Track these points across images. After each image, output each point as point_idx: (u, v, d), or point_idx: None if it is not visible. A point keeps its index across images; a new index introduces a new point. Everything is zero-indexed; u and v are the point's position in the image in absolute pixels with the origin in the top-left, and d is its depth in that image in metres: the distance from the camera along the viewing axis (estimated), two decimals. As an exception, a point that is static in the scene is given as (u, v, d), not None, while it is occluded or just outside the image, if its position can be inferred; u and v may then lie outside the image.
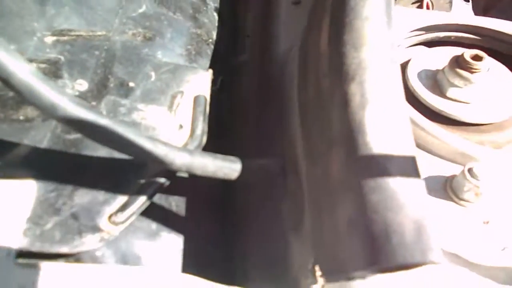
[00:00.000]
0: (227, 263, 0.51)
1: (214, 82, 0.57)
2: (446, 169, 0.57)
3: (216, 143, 0.52)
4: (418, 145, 0.59)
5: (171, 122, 0.51)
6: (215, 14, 0.68)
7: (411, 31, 0.74)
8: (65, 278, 0.38)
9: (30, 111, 0.46)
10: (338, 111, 0.41)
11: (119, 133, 0.38)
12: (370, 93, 0.40)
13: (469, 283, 0.50)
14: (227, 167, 0.47)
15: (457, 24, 0.76)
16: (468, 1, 1.21)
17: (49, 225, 0.40)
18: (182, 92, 0.53)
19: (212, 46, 0.63)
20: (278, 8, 0.77)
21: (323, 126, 0.43)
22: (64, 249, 0.40)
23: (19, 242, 0.39)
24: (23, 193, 0.42)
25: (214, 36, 0.65)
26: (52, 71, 0.50)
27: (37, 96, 0.34)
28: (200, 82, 0.55)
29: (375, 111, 0.39)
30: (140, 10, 0.59)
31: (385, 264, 0.35)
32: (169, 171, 0.46)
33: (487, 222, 0.54)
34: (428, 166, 0.57)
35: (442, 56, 0.69)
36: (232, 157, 0.47)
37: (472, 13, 1.15)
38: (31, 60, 0.50)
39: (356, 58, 0.42)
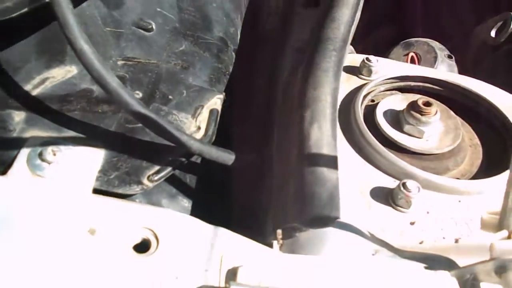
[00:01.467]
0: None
1: (225, 101, 0.82)
2: (392, 183, 0.72)
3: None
4: (373, 163, 0.75)
5: (193, 125, 0.76)
6: (233, 54, 0.95)
7: (388, 78, 0.90)
8: (116, 208, 0.61)
9: (105, 107, 0.73)
10: (297, 125, 0.65)
11: (160, 123, 0.64)
12: (316, 116, 0.64)
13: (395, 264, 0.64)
14: (226, 156, 0.71)
15: (423, 77, 0.91)
16: (452, 58, 1.38)
17: (111, 176, 0.66)
18: (202, 106, 0.79)
19: (228, 76, 0.89)
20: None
21: (288, 135, 0.67)
22: (119, 191, 0.65)
23: (94, 183, 0.64)
24: (98, 156, 0.67)
25: (230, 70, 0.91)
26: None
27: (120, 97, 0.60)
28: (215, 100, 0.80)
29: (317, 128, 0.63)
30: (181, 48, 0.86)
31: (310, 215, 0.57)
32: (187, 154, 0.71)
33: (413, 223, 0.69)
34: (379, 180, 0.73)
35: (406, 100, 0.82)
36: (229, 150, 0.73)
37: (455, 68, 1.26)
38: (107, 75, 0.76)
39: (313, 94, 0.66)
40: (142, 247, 0.57)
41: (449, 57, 1.33)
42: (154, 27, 0.85)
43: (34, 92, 0.71)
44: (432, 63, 1.26)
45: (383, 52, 1.36)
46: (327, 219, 0.57)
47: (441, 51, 1.33)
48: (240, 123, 0.86)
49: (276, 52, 0.95)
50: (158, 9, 0.87)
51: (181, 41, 0.87)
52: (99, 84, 0.60)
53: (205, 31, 0.92)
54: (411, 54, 1.32)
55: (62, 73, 0.73)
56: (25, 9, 0.59)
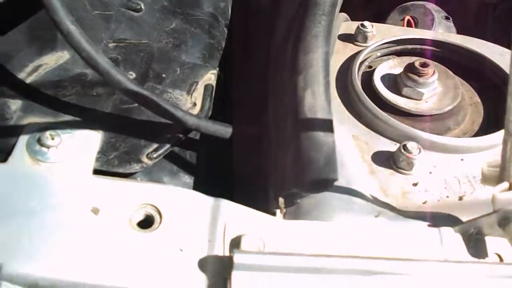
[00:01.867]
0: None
1: (219, 76, 0.82)
2: (393, 147, 0.72)
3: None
4: (373, 129, 0.75)
5: (188, 101, 0.76)
6: (225, 29, 0.94)
7: (385, 43, 0.89)
8: (118, 187, 0.62)
9: (100, 89, 0.73)
10: (290, 92, 0.65)
11: (155, 101, 0.64)
12: (309, 82, 0.63)
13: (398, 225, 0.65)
14: (223, 129, 0.72)
15: (420, 39, 0.90)
16: (449, 19, 1.36)
17: (111, 156, 0.66)
18: (197, 82, 0.79)
19: (221, 52, 0.89)
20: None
21: (283, 103, 0.67)
22: (119, 170, 0.65)
23: (94, 164, 0.65)
24: (96, 137, 0.68)
25: (223, 45, 0.90)
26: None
27: (111, 76, 0.60)
28: (209, 76, 0.80)
29: (310, 93, 0.63)
30: (171, 26, 0.85)
31: (308, 179, 0.58)
32: (185, 131, 0.72)
33: (416, 184, 0.69)
34: (379, 144, 0.73)
35: (403, 64, 0.81)
36: (226, 124, 0.73)
37: (454, 29, 1.25)
38: (100, 58, 0.76)
39: (304, 59, 0.65)
40: (146, 223, 0.58)
41: (447, 18, 1.33)
42: (142, 7, 0.85)
43: (28, 80, 0.71)
44: (430, 25, 1.25)
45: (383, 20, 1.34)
46: (326, 182, 0.58)
47: (438, 13, 1.32)
48: (237, 96, 0.86)
49: (269, 25, 0.94)
50: (146, -11, 0.86)
51: (171, 19, 0.87)
52: (89, 65, 0.60)
53: (195, 7, 0.91)
54: (407, 17, 1.31)
55: (54, 59, 0.73)
56: None
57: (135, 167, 0.66)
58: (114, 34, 0.80)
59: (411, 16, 1.32)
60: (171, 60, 0.80)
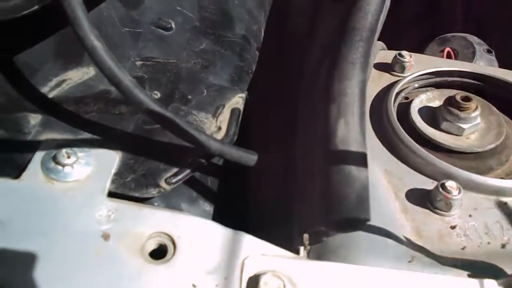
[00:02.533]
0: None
1: (247, 100, 0.79)
2: (429, 184, 0.67)
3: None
4: (408, 164, 0.71)
5: (213, 125, 0.73)
6: (257, 52, 0.91)
7: (424, 74, 0.85)
8: (131, 212, 0.59)
9: (123, 108, 0.70)
10: (322, 121, 0.60)
11: (178, 123, 0.61)
12: (343, 111, 0.59)
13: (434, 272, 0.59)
14: (248, 156, 0.67)
15: (461, 71, 0.87)
16: (491, 52, 1.30)
17: (128, 179, 0.63)
18: (223, 105, 0.75)
19: (251, 75, 0.85)
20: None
21: (313, 131, 0.63)
22: (135, 195, 0.62)
23: (109, 186, 0.62)
24: (114, 158, 0.65)
25: (253, 68, 0.87)
26: (139, 84, 0.73)
27: (134, 96, 0.57)
28: (237, 99, 0.77)
29: (343, 123, 0.58)
30: (201, 47, 0.83)
31: (338, 217, 0.53)
32: (207, 156, 0.68)
33: (454, 227, 0.64)
34: (414, 181, 0.69)
35: (443, 97, 0.78)
36: (251, 151, 0.69)
37: (496, 63, 1.20)
38: (126, 76, 0.74)
39: (338, 87, 0.61)
40: (159, 253, 0.55)
41: (489, 51, 1.28)
42: (173, 26, 0.83)
43: (51, 94, 0.69)
44: (470, 58, 1.21)
45: (417, 51, 1.30)
46: (357, 222, 0.53)
47: (480, 45, 1.28)
48: (264, 122, 0.82)
49: (302, 50, 0.91)
50: (178, 8, 0.84)
51: (201, 40, 0.84)
52: (111, 82, 0.58)
53: (227, 29, 0.89)
54: (447, 49, 1.27)
55: (79, 75, 0.71)
56: (36, 7, 0.57)
57: (152, 192, 0.62)
58: (142, 52, 0.78)
59: (451, 48, 1.28)
60: (198, 81, 0.77)
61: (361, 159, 0.56)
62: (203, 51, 0.83)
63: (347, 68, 0.63)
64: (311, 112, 0.64)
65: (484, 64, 1.20)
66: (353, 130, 0.58)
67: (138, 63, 0.76)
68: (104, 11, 0.76)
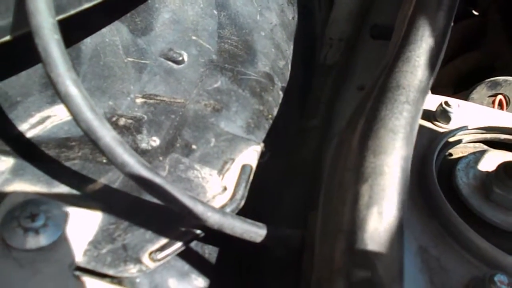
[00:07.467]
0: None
1: (263, 154, 0.66)
2: (473, 270, 0.57)
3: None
4: (449, 242, 0.60)
5: (218, 184, 0.60)
6: (281, 93, 0.78)
7: (472, 128, 0.75)
8: None
9: (111, 157, 0.59)
10: (349, 205, 0.48)
11: (168, 190, 0.49)
12: (376, 196, 0.46)
13: None
14: (254, 232, 0.55)
15: None
16: None
17: (104, 250, 0.51)
18: (233, 160, 0.63)
19: (271, 122, 0.73)
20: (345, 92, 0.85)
21: (337, 213, 0.50)
22: (111, 272, 0.50)
23: (79, 258, 0.50)
24: (91, 220, 0.53)
25: (275, 113, 0.74)
26: (136, 126, 0.62)
27: (115, 157, 0.46)
28: (250, 153, 0.64)
29: (376, 213, 0.46)
30: (216, 85, 0.71)
31: None
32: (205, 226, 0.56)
33: None
34: (454, 263, 0.58)
35: (495, 159, 0.69)
36: (259, 223, 0.56)
37: None
38: (121, 115, 0.63)
39: (373, 163, 0.49)
40: None
41: (549, 102, 1.14)
42: (185, 58, 0.71)
43: (30, 134, 0.58)
44: (525, 109, 1.10)
45: (463, 85, 1.18)
46: None
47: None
48: (281, 184, 0.69)
49: (334, 89, 0.79)
50: (194, 38, 0.73)
51: (216, 76, 0.72)
52: (88, 138, 0.46)
53: (248, 64, 0.76)
54: (499, 96, 1.13)
55: (66, 111, 0.60)
56: (24, 31, 0.47)
57: (131, 269, 0.50)
58: (145, 88, 0.67)
59: (503, 94, 1.14)
60: (206, 128, 0.65)
61: (394, 267, 0.43)
62: (217, 90, 0.71)
63: (386, 139, 0.50)
64: (337, 190, 0.51)
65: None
66: (388, 224, 0.45)
67: (139, 100, 0.65)
68: (107, 36, 0.65)
